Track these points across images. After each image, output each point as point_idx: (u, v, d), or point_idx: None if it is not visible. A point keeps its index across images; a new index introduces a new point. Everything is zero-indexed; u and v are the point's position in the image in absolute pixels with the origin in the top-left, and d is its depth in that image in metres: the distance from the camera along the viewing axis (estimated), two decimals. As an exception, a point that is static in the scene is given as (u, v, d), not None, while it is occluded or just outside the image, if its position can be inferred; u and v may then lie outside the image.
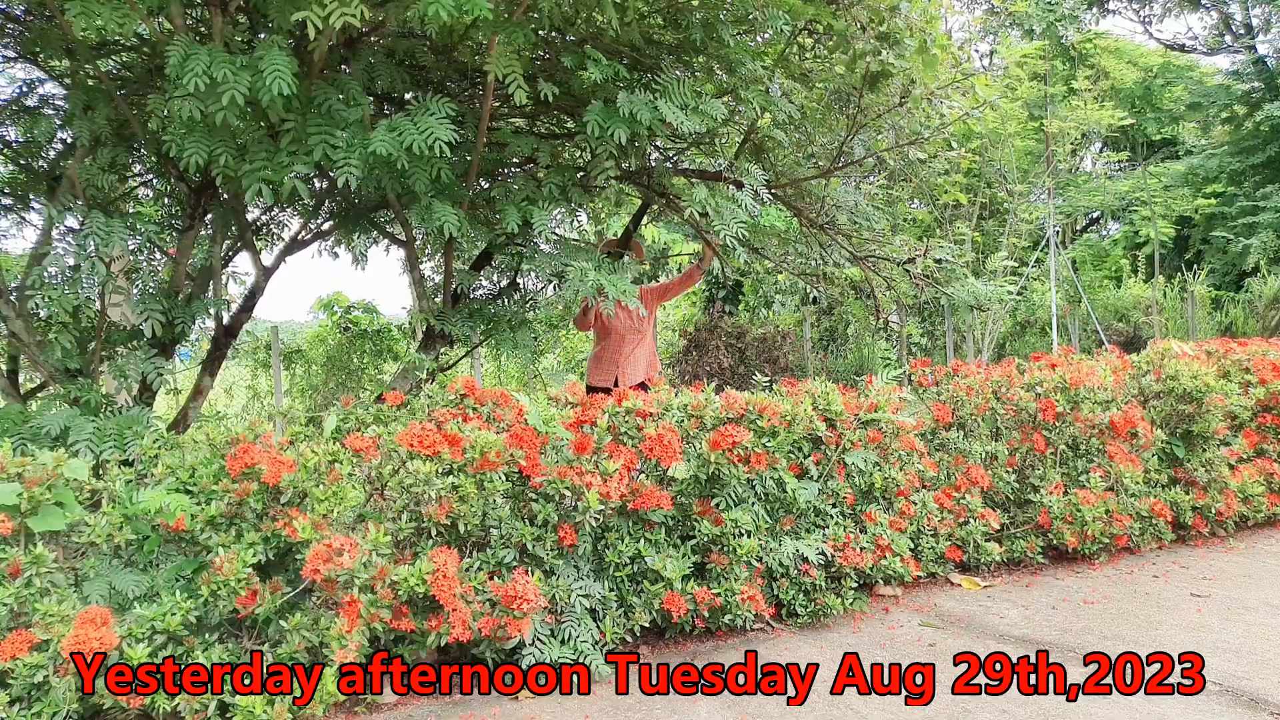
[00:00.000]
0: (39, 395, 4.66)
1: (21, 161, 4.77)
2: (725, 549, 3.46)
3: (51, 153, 4.74)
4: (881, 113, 5.19)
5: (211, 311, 4.70)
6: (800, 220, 5.86)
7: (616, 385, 5.47)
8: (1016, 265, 12.24)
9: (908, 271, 6.11)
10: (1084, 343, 14.60)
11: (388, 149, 3.55)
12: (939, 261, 6.55)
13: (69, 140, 4.54)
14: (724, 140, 5.75)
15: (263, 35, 4.08)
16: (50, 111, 4.59)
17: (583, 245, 5.09)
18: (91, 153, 4.22)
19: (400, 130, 3.60)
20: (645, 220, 6.34)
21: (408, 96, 4.99)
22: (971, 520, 4.17)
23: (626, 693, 3.04)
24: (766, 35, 4.94)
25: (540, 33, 4.26)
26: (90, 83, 4.24)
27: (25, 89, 4.68)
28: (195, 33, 3.95)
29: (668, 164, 5.77)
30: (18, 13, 4.42)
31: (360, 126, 3.73)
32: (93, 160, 4.21)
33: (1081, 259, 19.63)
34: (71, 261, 3.76)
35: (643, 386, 5.50)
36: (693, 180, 5.17)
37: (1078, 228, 20.46)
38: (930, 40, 4.55)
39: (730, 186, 4.73)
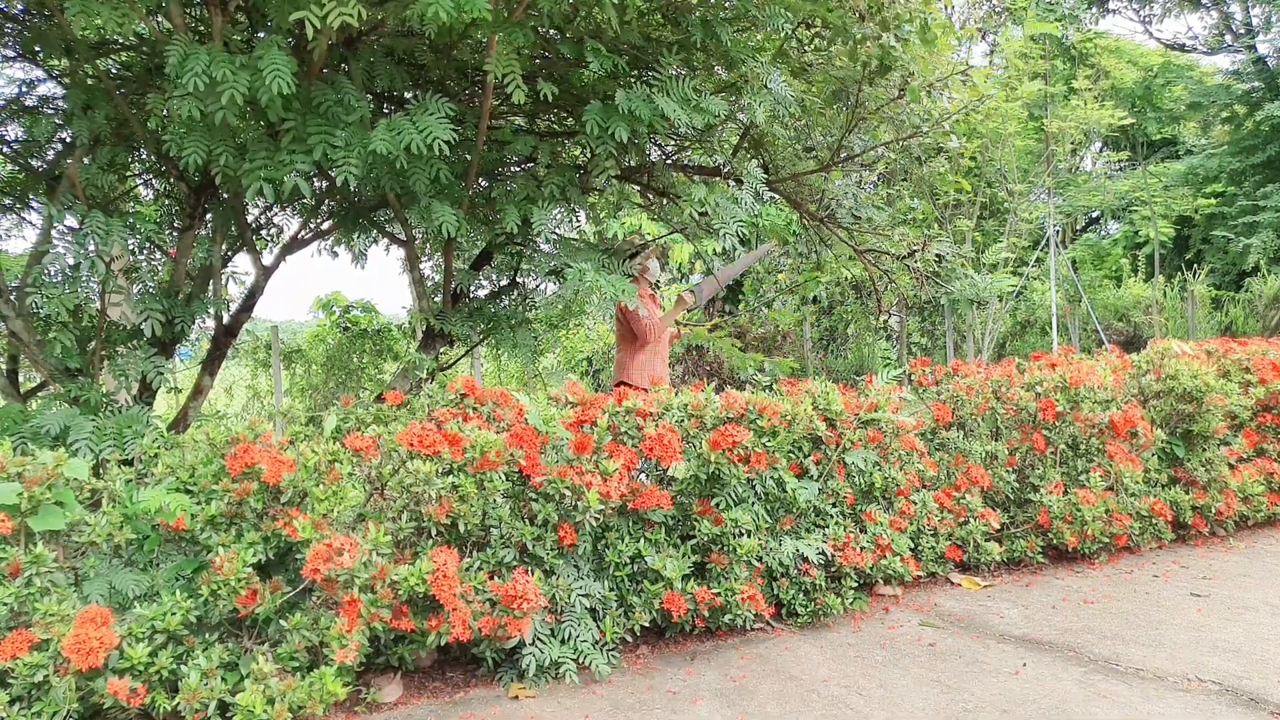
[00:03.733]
0: (39, 394, 4.66)
1: (21, 161, 4.76)
2: (725, 549, 3.46)
3: (51, 153, 4.74)
4: (881, 105, 5.17)
5: (211, 311, 4.70)
6: (800, 214, 5.85)
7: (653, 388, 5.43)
8: (1016, 258, 12.21)
9: (908, 266, 6.10)
10: (1084, 342, 14.59)
11: (387, 148, 3.55)
12: (939, 258, 6.54)
13: (68, 139, 4.53)
14: (722, 136, 5.74)
15: (261, 35, 4.08)
16: (50, 111, 4.59)
17: (580, 245, 5.09)
18: (91, 152, 4.22)
19: (399, 130, 3.60)
20: (643, 216, 6.35)
21: (407, 95, 4.99)
22: (971, 520, 4.17)
23: (626, 692, 3.04)
24: (765, 30, 4.93)
25: (540, 31, 4.26)
26: (90, 82, 4.24)
27: (24, 89, 4.68)
28: (194, 32, 3.95)
29: (667, 162, 5.76)
30: (16, 12, 4.42)
31: (359, 126, 3.73)
32: (92, 160, 4.21)
33: (1081, 258, 19.62)
34: (71, 260, 3.75)
35: None
36: (693, 178, 5.17)
37: (1078, 227, 20.46)
38: (930, 20, 4.56)
39: (730, 183, 4.73)
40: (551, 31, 4.47)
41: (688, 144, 5.75)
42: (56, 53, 4.36)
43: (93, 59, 4.19)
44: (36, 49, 4.38)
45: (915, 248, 6.00)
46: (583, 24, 4.46)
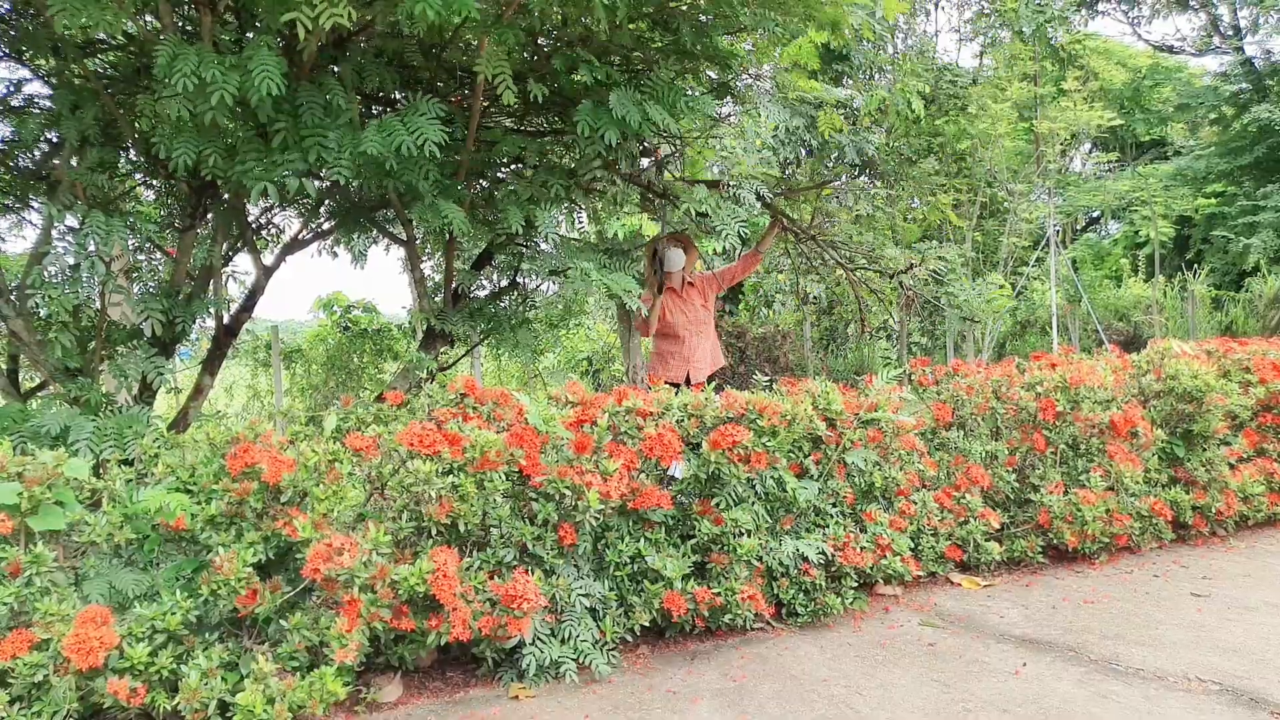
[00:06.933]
0: (39, 394, 4.66)
1: (9, 162, 4.75)
2: (725, 548, 3.46)
3: (38, 153, 4.72)
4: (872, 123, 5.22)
5: (212, 310, 4.69)
6: (791, 232, 5.89)
7: (688, 381, 5.46)
8: (1006, 283, 12.22)
9: (901, 284, 6.12)
10: (1084, 342, 14.60)
11: (378, 149, 3.55)
12: (935, 273, 6.57)
13: (55, 140, 4.52)
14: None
15: (250, 35, 4.07)
16: (36, 111, 4.57)
17: (581, 245, 5.10)
18: (79, 153, 4.20)
19: (390, 131, 3.61)
20: (644, 218, 6.38)
21: (396, 96, 4.99)
22: (971, 520, 4.17)
23: (626, 692, 3.04)
24: (756, 34, 4.93)
25: (530, 34, 4.26)
26: (77, 82, 4.23)
27: (11, 89, 4.66)
28: (183, 32, 3.95)
29: (667, 165, 5.79)
30: (3, 12, 4.40)
31: (350, 127, 3.73)
32: (80, 160, 4.20)
33: (1081, 258, 19.64)
34: (71, 261, 3.75)
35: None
36: (693, 185, 5.19)
37: (1078, 227, 20.48)
38: None
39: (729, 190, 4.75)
40: (540, 39, 4.48)
41: (686, 147, 5.76)
42: (43, 53, 4.34)
43: (80, 59, 4.17)
44: (23, 49, 4.36)
45: (906, 267, 6.01)
46: (575, 28, 4.46)
